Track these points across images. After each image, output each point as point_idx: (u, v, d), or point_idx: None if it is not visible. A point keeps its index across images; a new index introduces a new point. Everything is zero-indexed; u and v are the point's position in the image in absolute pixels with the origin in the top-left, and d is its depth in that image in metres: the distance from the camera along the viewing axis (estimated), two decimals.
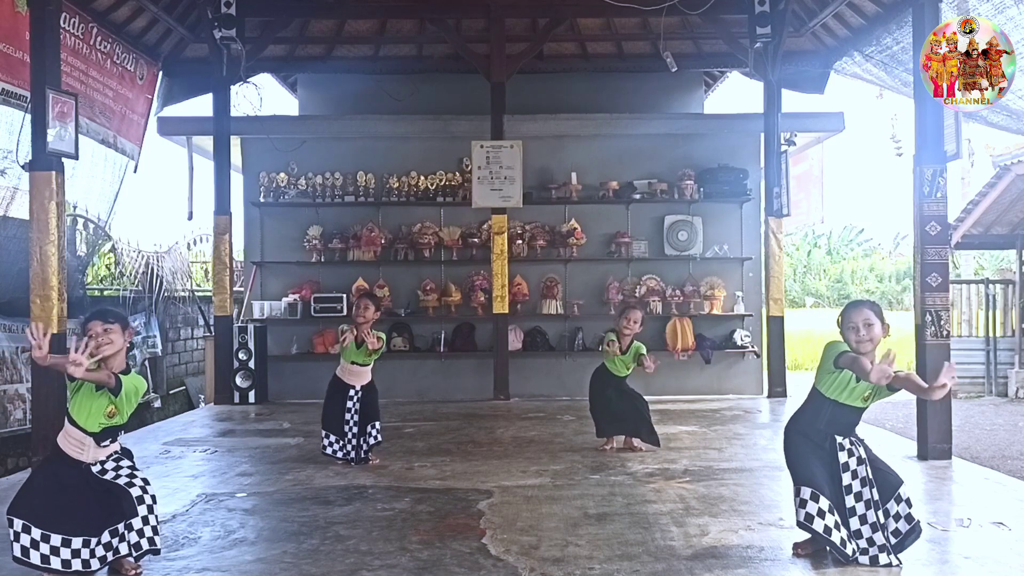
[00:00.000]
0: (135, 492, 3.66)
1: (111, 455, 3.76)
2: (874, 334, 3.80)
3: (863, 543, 3.77)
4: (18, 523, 3.56)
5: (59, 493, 3.64)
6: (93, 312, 3.87)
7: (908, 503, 3.83)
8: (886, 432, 7.73)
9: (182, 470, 5.98)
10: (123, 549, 3.65)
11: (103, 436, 3.69)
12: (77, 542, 3.59)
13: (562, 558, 3.87)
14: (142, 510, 3.65)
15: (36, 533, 3.55)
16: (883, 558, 3.73)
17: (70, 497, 3.63)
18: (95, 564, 3.63)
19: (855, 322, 3.82)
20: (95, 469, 3.69)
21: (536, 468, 5.84)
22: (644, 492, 5.14)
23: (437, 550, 4.01)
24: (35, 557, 3.54)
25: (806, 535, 3.90)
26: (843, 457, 3.82)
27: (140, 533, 3.64)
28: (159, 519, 3.75)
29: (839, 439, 3.85)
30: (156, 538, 3.69)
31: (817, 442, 3.87)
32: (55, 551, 3.55)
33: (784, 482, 5.26)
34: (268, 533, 4.39)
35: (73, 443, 3.69)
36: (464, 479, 5.54)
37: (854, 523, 3.78)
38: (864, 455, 3.86)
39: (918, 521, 3.83)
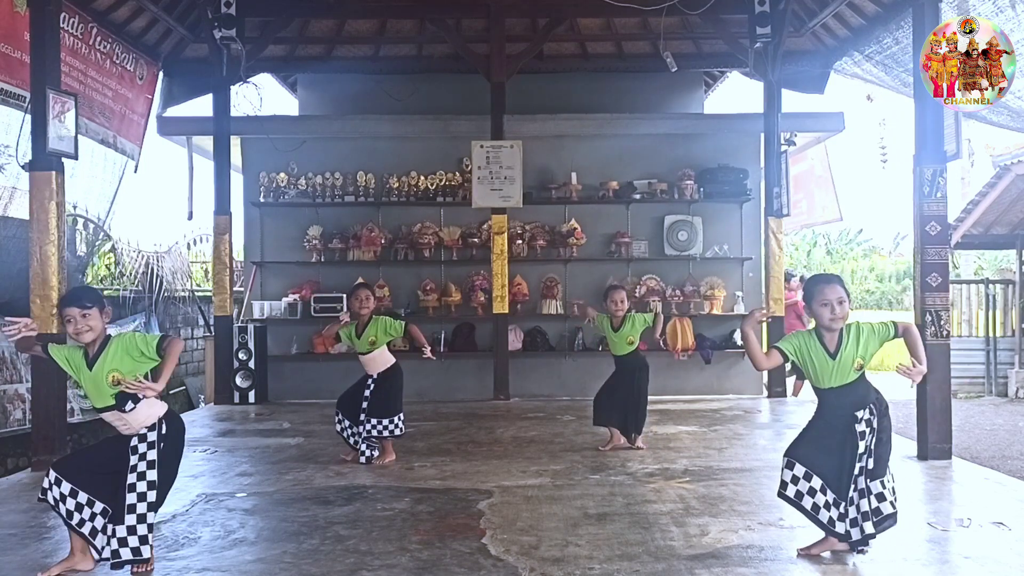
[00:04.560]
0: (130, 499, 3.64)
1: (153, 430, 3.75)
2: (845, 311, 3.85)
3: (853, 511, 3.80)
4: (53, 474, 3.69)
5: (103, 460, 3.77)
6: (69, 296, 3.89)
7: (880, 497, 3.84)
8: None
9: (182, 470, 5.87)
10: (106, 553, 3.67)
11: (122, 401, 3.70)
12: (99, 506, 3.69)
13: (562, 558, 3.87)
14: (129, 519, 3.63)
15: (66, 487, 3.67)
16: (868, 527, 3.77)
17: (110, 469, 3.71)
18: (99, 541, 3.70)
19: (829, 299, 3.86)
20: (132, 442, 3.72)
21: (536, 468, 5.84)
22: (644, 492, 5.14)
23: (437, 550, 4.01)
24: (63, 509, 3.69)
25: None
26: (860, 427, 3.83)
27: (122, 542, 3.62)
28: (152, 527, 3.71)
29: (859, 413, 3.84)
30: (143, 548, 3.65)
31: (839, 424, 3.86)
32: (79, 507, 3.68)
33: None
34: (268, 533, 4.38)
35: (117, 426, 3.76)
36: (464, 479, 5.54)
37: (850, 490, 3.81)
38: (876, 425, 3.85)
39: (892, 513, 3.84)
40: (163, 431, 3.78)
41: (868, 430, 3.83)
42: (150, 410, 3.75)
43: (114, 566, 3.66)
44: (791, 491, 3.85)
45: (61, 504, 3.68)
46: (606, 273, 10.08)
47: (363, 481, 5.50)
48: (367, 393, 5.97)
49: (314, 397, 9.48)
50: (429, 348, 6.13)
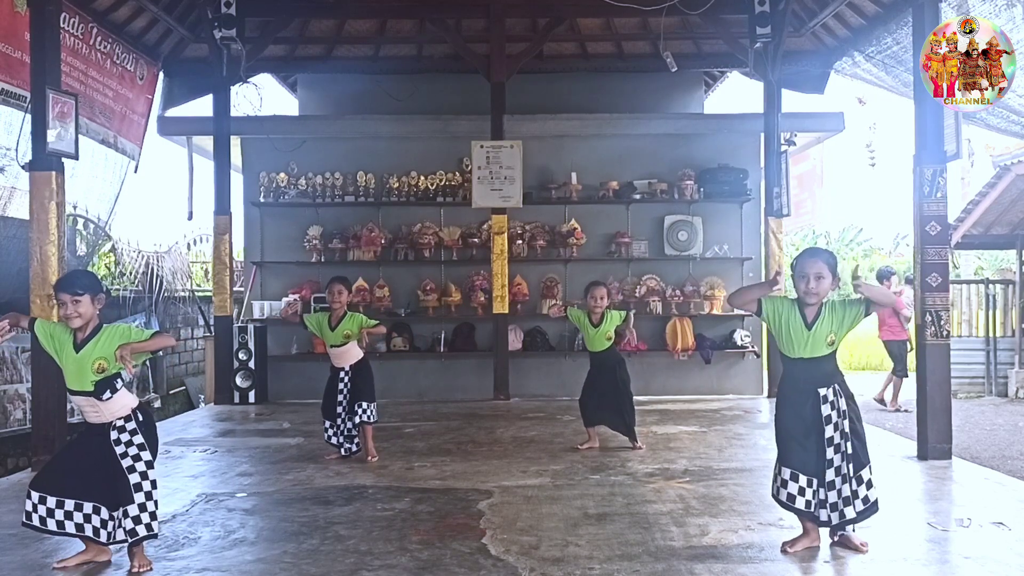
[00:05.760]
0: (133, 479, 3.72)
1: (129, 420, 3.79)
2: (822, 288, 3.86)
3: (833, 496, 3.84)
4: (35, 495, 3.74)
5: (78, 460, 3.80)
6: (62, 281, 3.93)
7: (868, 485, 3.89)
8: (886, 432, 7.73)
9: (182, 470, 5.98)
10: (120, 535, 3.73)
11: (100, 390, 3.73)
12: (88, 507, 3.73)
13: (562, 558, 3.87)
14: (139, 497, 3.72)
15: (51, 501, 3.73)
16: (848, 512, 3.83)
17: (89, 465, 3.75)
18: (103, 536, 3.75)
19: (806, 273, 3.88)
20: (112, 436, 3.75)
21: (536, 468, 5.84)
22: (644, 492, 5.14)
23: (437, 550, 4.01)
24: (51, 524, 3.74)
25: (795, 534, 4.00)
26: (826, 410, 3.87)
27: (136, 520, 3.70)
28: (158, 504, 3.80)
29: (822, 391, 3.88)
30: (153, 523, 3.76)
31: (802, 401, 3.90)
32: (68, 515, 3.73)
33: None
34: (268, 533, 4.38)
35: (87, 411, 3.79)
36: (464, 479, 5.54)
37: (829, 475, 3.84)
38: (845, 408, 3.89)
39: (876, 500, 3.90)
40: (140, 419, 3.84)
41: (835, 413, 3.86)
42: (124, 401, 3.80)
43: (132, 545, 3.74)
44: (800, 503, 3.88)
45: (49, 519, 3.74)
46: (606, 273, 10.07)
47: (363, 481, 5.50)
48: (342, 386, 6.11)
49: (314, 397, 9.39)
50: (367, 343, 6.35)
